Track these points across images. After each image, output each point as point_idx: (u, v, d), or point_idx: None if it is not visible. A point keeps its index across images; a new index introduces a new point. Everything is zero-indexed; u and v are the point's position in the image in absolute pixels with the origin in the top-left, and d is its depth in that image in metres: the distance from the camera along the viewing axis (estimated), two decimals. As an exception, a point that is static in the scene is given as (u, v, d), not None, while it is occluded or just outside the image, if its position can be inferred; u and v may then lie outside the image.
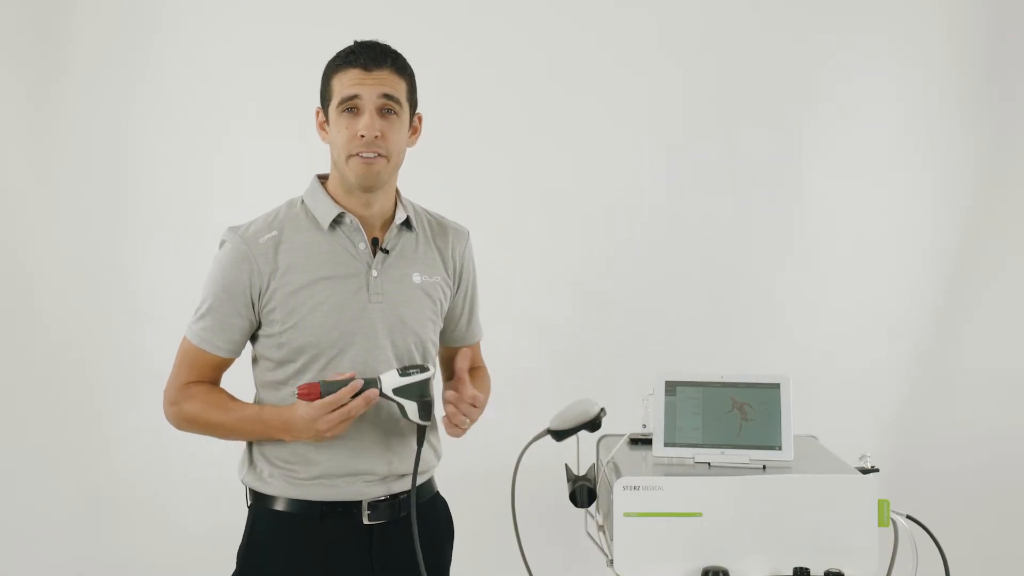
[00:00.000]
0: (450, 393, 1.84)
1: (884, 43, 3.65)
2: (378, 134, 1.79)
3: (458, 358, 1.91)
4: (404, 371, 1.75)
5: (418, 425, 1.80)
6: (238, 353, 1.90)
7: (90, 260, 3.53)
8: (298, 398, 1.72)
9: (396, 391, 1.74)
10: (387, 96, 1.81)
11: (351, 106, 1.80)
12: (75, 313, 3.52)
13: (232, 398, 1.89)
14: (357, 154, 1.80)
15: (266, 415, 1.82)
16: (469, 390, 1.83)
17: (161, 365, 3.47)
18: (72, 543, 3.42)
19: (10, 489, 3.43)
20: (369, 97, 1.79)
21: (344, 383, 1.71)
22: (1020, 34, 3.62)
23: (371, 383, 1.74)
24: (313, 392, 1.71)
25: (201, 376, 1.89)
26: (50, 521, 3.44)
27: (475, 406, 1.84)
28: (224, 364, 1.90)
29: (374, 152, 1.80)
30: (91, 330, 3.53)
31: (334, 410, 1.71)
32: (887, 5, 3.64)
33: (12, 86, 3.45)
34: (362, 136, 1.79)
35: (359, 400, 1.71)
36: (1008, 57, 3.62)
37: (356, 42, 1.85)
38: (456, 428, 1.85)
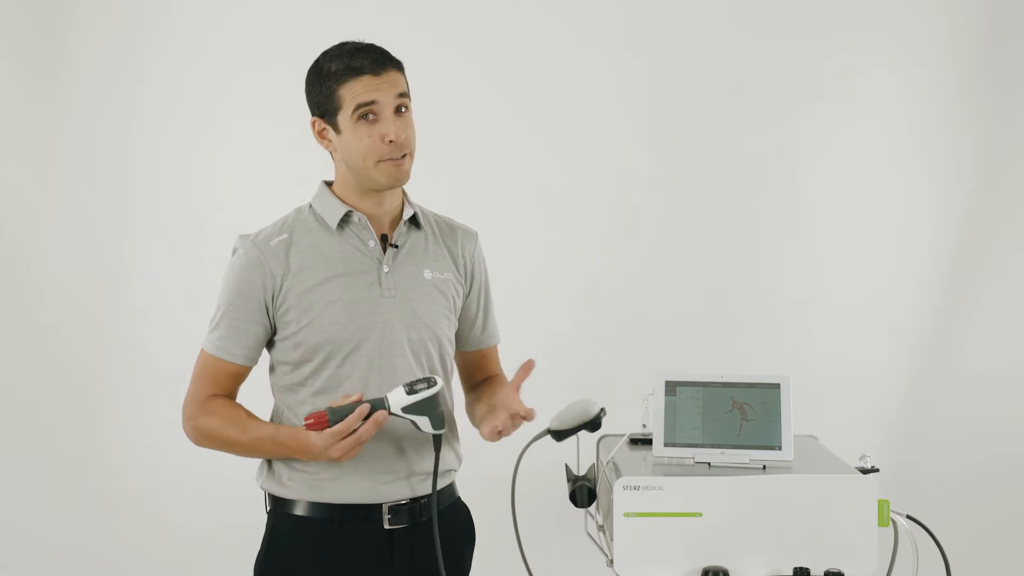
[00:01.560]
0: (511, 405, 1.80)
1: (884, 42, 3.65)
2: (404, 135, 1.80)
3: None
4: (411, 388, 1.73)
5: (433, 435, 1.79)
6: (255, 361, 1.88)
7: (90, 260, 3.53)
8: (306, 428, 1.71)
9: (405, 409, 1.73)
10: (401, 95, 1.81)
11: (368, 112, 1.79)
12: (75, 313, 3.52)
13: (250, 415, 1.87)
14: (387, 159, 1.80)
15: (282, 436, 1.81)
16: (523, 407, 1.81)
17: (162, 365, 3.48)
18: (72, 543, 3.42)
19: (11, 489, 3.43)
20: (386, 101, 1.79)
21: (351, 408, 1.70)
22: (1020, 34, 3.63)
23: (379, 404, 1.72)
24: (321, 421, 1.69)
25: (219, 388, 1.87)
26: (50, 521, 3.44)
27: (528, 419, 1.81)
28: (242, 373, 1.88)
29: (402, 153, 1.81)
30: (91, 330, 3.53)
31: (345, 437, 1.70)
32: (887, 4, 3.64)
33: (12, 85, 3.46)
34: (391, 141, 1.78)
35: (368, 424, 1.70)
36: (1008, 57, 3.63)
37: (347, 48, 1.82)
38: (499, 435, 1.82)
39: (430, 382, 1.74)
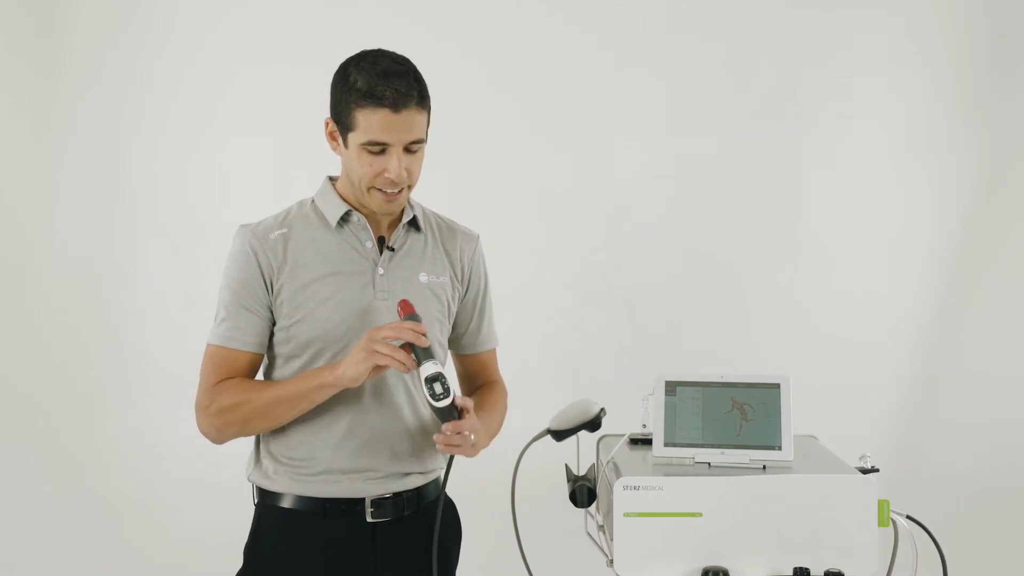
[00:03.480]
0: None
1: (884, 43, 3.65)
2: (405, 174, 1.79)
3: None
4: (432, 393, 1.73)
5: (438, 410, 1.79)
6: (264, 348, 1.87)
7: (90, 260, 3.53)
8: (398, 305, 1.78)
9: (427, 379, 1.73)
10: (414, 141, 1.79)
11: (378, 150, 1.78)
12: (75, 313, 3.52)
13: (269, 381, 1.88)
14: (379, 189, 1.80)
15: (314, 370, 1.81)
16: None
17: (162, 365, 3.48)
18: (73, 542, 3.42)
19: (11, 488, 3.43)
20: (397, 142, 1.77)
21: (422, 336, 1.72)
22: (1020, 34, 3.63)
23: (424, 356, 1.73)
24: (408, 309, 1.77)
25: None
26: (51, 520, 3.44)
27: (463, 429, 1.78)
28: (253, 362, 1.87)
29: (398, 189, 1.81)
30: (91, 330, 3.53)
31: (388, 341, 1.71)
32: (887, 5, 3.64)
33: (13, 85, 3.46)
34: (389, 179, 1.78)
35: (404, 355, 1.70)
36: (1008, 57, 3.63)
37: (380, 69, 1.75)
38: (456, 448, 1.79)
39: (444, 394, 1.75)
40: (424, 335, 1.73)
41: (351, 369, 1.73)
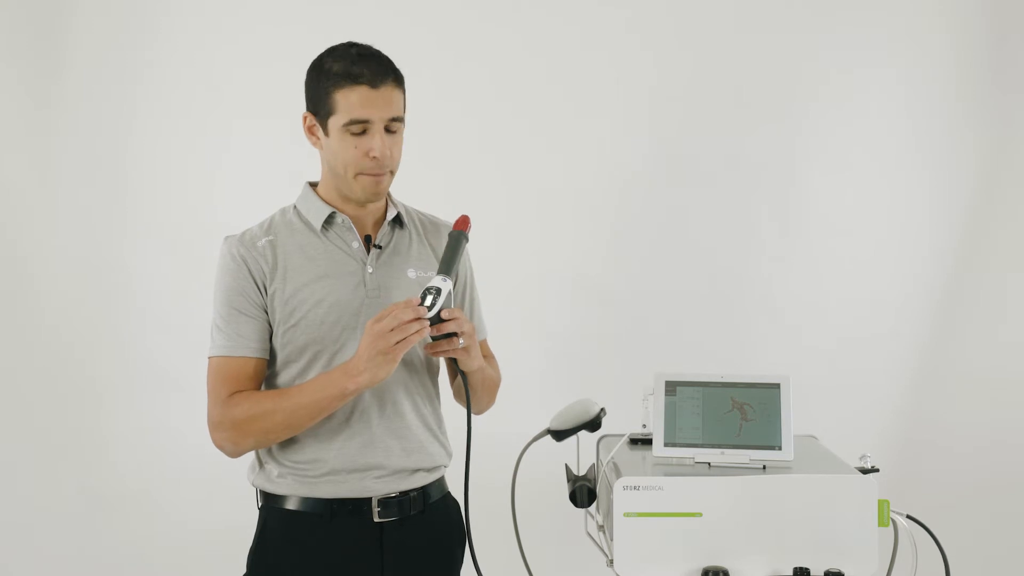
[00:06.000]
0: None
1: (884, 41, 3.65)
2: (388, 153, 1.81)
3: None
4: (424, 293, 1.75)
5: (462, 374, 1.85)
6: (267, 353, 1.86)
7: (90, 260, 3.53)
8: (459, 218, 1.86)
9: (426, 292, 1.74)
10: (394, 119, 1.81)
11: (360, 129, 1.80)
12: (76, 313, 3.52)
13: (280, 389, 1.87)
14: (366, 173, 1.82)
15: (326, 373, 1.79)
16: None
17: (162, 364, 3.48)
18: (72, 542, 3.42)
19: (11, 488, 3.43)
20: (378, 119, 1.79)
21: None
22: (1020, 34, 3.62)
23: (446, 267, 1.77)
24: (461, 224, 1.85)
25: (240, 388, 1.84)
26: (50, 520, 3.44)
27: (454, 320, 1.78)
28: (258, 368, 1.85)
29: (384, 170, 1.83)
30: (91, 330, 3.53)
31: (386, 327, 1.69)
32: (887, 2, 3.63)
33: (13, 85, 3.46)
34: (375, 157, 1.80)
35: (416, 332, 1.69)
36: (1008, 56, 3.62)
37: (352, 53, 1.81)
38: (444, 351, 1.80)
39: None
40: (426, 315, 1.71)
41: (378, 373, 1.72)
